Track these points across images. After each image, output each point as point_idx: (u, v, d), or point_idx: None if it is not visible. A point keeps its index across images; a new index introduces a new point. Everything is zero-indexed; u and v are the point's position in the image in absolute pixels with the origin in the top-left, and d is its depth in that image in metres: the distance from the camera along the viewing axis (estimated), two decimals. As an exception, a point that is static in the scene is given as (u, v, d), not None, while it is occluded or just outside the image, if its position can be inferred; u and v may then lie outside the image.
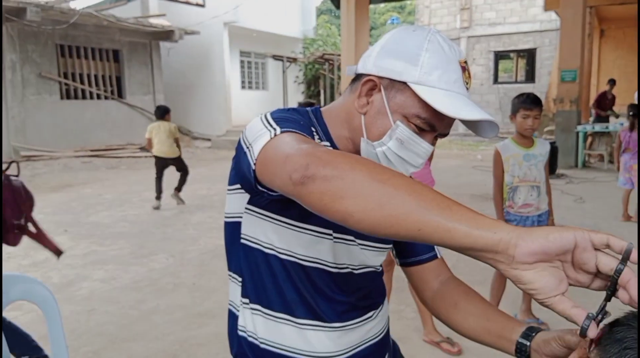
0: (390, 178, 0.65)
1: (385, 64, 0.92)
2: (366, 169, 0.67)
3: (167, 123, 6.99)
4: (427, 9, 17.83)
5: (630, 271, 0.56)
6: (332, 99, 17.63)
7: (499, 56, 17.24)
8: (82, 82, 12.57)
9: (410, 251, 1.08)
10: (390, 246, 1.08)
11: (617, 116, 10.93)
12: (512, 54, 17.33)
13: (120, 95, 13.45)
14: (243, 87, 17.60)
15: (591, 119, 11.38)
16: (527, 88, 16.60)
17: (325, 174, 0.67)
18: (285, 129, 0.80)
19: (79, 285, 3.97)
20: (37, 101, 11.44)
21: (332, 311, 0.99)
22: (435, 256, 1.08)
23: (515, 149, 2.91)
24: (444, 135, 0.97)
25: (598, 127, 9.83)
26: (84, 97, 12.69)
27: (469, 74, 0.96)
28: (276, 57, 16.30)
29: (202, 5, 12.02)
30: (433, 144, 0.94)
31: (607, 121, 10.51)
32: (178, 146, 7.03)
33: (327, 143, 0.98)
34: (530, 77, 16.83)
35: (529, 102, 2.80)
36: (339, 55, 15.11)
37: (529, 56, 16.73)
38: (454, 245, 0.62)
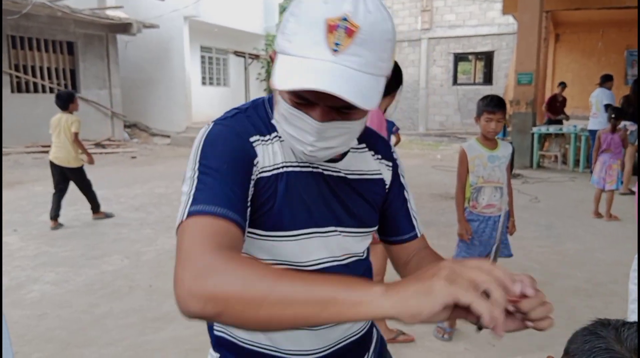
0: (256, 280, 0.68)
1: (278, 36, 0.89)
2: (241, 283, 0.68)
3: (69, 116, 5.50)
4: (388, 10, 18.00)
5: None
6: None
7: (459, 57, 17.58)
8: (34, 75, 12.06)
9: (394, 230, 1.12)
10: (374, 228, 1.10)
11: (567, 119, 11.29)
12: (470, 56, 17.69)
13: (75, 89, 12.97)
14: (204, 83, 17.30)
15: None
16: (485, 90, 16.99)
17: (214, 309, 0.68)
18: (192, 212, 0.80)
19: (29, 288, 3.79)
20: (-16, 93, 10.90)
21: None
22: (416, 236, 1.12)
23: (481, 150, 2.94)
24: (346, 108, 0.85)
25: (552, 129, 10.16)
26: (35, 90, 12.17)
27: (346, 32, 0.78)
28: (238, 54, 16.10)
29: (162, -1, 11.74)
30: (331, 119, 0.85)
31: (560, 123, 10.85)
32: (80, 149, 5.56)
33: (274, 133, 0.97)
34: (487, 79, 17.24)
35: (492, 105, 2.83)
36: (302, 53, 15.01)
37: (487, 58, 17.13)
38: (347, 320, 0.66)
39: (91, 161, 5.91)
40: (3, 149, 10.86)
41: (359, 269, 1.06)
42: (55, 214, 5.51)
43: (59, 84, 12.61)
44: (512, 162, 3.04)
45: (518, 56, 9.85)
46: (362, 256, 1.08)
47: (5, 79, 11.37)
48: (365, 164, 1.07)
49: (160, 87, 15.07)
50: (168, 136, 14.66)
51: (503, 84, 16.14)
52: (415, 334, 3.08)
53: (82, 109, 12.92)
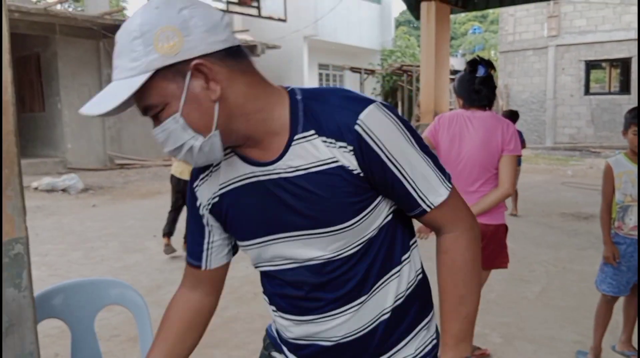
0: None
1: None
2: None
3: None
4: (511, 17, 17.17)
5: None
6: (410, 111, 17.40)
7: (591, 65, 16.23)
8: (171, 96, 13.29)
9: (404, 208, 1.01)
10: (347, 224, 0.95)
11: None
12: (604, 64, 16.26)
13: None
14: (321, 99, 17.82)
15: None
16: (622, 100, 15.47)
17: None
18: None
19: (167, 289, 4.15)
20: (132, 112, 12.15)
21: (287, 304, 1.05)
22: (424, 211, 0.98)
23: (629, 166, 2.66)
24: (154, 117, 0.92)
25: None
26: (172, 109, 13.38)
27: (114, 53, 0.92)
28: (354, 70, 16.37)
29: (284, 20, 12.33)
30: (155, 125, 0.92)
31: None
32: None
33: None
34: (625, 88, 15.69)
35: None
36: (418, 66, 14.89)
37: (624, 65, 15.62)
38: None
39: None
40: (144, 162, 12.08)
41: (338, 270, 0.98)
42: (169, 231, 5.23)
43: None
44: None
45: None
46: (329, 259, 0.98)
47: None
48: (313, 155, 0.92)
49: (280, 104, 15.80)
50: (287, 151, 15.27)
51: (644, 93, 14.57)
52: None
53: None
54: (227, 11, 11.85)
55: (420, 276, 1.09)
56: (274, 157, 0.94)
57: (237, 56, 0.91)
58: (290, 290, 1.03)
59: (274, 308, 1.09)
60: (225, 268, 1.14)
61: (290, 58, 15.41)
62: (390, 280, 1.02)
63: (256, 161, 0.95)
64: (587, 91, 16.30)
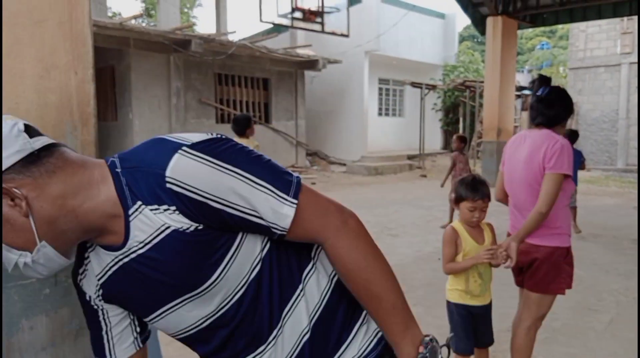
0: None
1: None
2: None
3: (249, 141, 5.31)
4: (582, 34, 16.50)
5: None
6: (472, 126, 17.04)
7: (668, 83, 15.28)
8: (234, 108, 13.69)
9: (264, 234, 0.97)
10: (210, 281, 0.93)
11: None
12: (683, 82, 15.27)
13: (267, 120, 14.38)
14: (380, 114, 17.78)
15: None
16: None
17: None
18: None
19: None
20: (196, 124, 12.67)
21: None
22: (282, 235, 0.93)
23: None
24: None
25: None
26: (235, 121, 13.77)
27: None
28: (415, 85, 16.24)
29: (347, 36, 12.44)
30: None
31: None
32: None
33: (87, 257, 1.03)
34: None
35: None
36: (482, 82, 14.59)
37: None
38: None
39: None
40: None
41: (238, 315, 0.97)
42: None
43: (254, 116, 14.12)
44: None
45: None
46: (228, 304, 0.96)
47: (212, 111, 13.11)
48: (150, 226, 0.88)
49: (339, 118, 15.90)
50: (344, 164, 15.32)
51: None
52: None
53: (271, 138, 14.31)
54: (292, 27, 12.15)
55: (337, 277, 1.04)
56: (122, 238, 0.90)
57: (41, 158, 0.85)
58: (210, 347, 1.02)
59: None
60: None
61: (352, 72, 15.50)
62: (296, 302, 0.99)
63: (112, 246, 0.93)
64: (664, 111, 15.34)
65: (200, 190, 0.85)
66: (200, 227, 0.88)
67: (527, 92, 18.03)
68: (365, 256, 0.95)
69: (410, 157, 16.30)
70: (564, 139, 2.46)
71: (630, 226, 7.28)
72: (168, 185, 0.85)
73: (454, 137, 7.60)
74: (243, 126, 5.34)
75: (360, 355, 1.04)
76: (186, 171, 0.85)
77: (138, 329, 1.05)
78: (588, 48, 16.42)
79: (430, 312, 3.97)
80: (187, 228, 0.87)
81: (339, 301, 1.04)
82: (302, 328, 1.00)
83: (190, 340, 1.02)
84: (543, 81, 2.62)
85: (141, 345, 1.05)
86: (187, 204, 0.86)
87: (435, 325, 3.71)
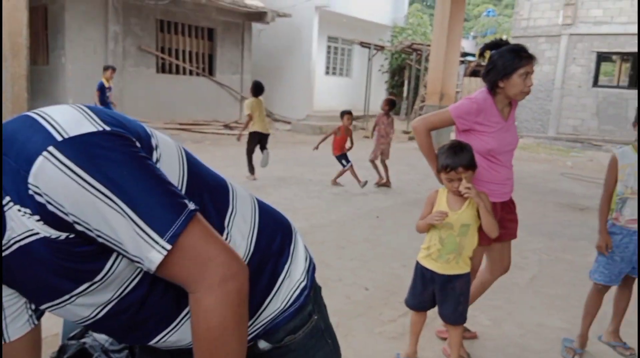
0: None
1: None
2: None
3: (262, 101, 7.69)
4: (527, 3, 16.87)
5: None
6: (416, 90, 17.28)
7: (602, 57, 16.04)
8: (177, 58, 13.15)
9: None
10: (86, 285, 0.84)
11: None
12: (615, 57, 16.07)
13: (211, 73, 13.94)
14: (327, 72, 17.66)
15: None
16: (629, 94, 15.34)
17: None
18: None
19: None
20: (135, 72, 12.11)
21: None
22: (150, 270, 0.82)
23: (635, 159, 2.66)
24: None
25: None
26: (177, 72, 13.28)
27: None
28: (363, 44, 16.18)
29: (296, -11, 12.17)
30: None
31: None
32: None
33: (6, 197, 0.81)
34: (633, 82, 15.53)
35: None
36: (429, 45, 14.73)
37: (635, 59, 15.44)
38: None
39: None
40: (144, 122, 12.01)
41: (131, 308, 0.91)
42: (252, 169, 7.52)
43: (197, 67, 13.64)
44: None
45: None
46: (117, 298, 0.88)
47: (152, 60, 12.54)
48: (18, 226, 0.77)
49: (286, 75, 15.65)
50: (289, 123, 15.21)
51: (653, 89, 14.45)
52: (534, 350, 2.90)
53: (215, 92, 13.94)
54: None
55: (253, 237, 1.00)
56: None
57: None
58: (118, 332, 0.98)
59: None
60: (29, 340, 0.95)
61: (300, 28, 15.20)
62: None
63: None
64: (595, 83, 16.16)
65: (64, 208, 0.74)
66: (71, 236, 0.77)
67: (470, 58, 18.42)
68: (223, 330, 0.82)
69: (355, 118, 16.38)
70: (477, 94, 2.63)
71: (556, 192, 7.74)
72: (30, 192, 0.74)
73: (384, 99, 7.85)
74: (261, 90, 7.75)
75: (284, 308, 1.03)
76: (49, 182, 0.73)
77: (33, 306, 0.95)
78: (532, 17, 16.84)
79: (365, 266, 4.10)
80: (58, 237, 0.77)
81: (259, 269, 1.00)
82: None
83: (94, 326, 0.95)
84: (496, 44, 2.67)
85: (36, 322, 0.96)
86: (50, 217, 0.75)
87: (369, 277, 3.85)
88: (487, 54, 2.64)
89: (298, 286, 1.07)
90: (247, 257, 0.99)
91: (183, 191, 0.89)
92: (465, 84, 17.15)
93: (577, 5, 15.94)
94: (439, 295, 2.54)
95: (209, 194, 0.97)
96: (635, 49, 15.17)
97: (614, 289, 2.89)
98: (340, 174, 7.37)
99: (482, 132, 2.57)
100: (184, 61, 13.32)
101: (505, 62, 2.53)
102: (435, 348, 2.84)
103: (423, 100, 14.84)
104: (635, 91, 15.22)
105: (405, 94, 18.06)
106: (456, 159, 2.35)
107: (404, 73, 18.63)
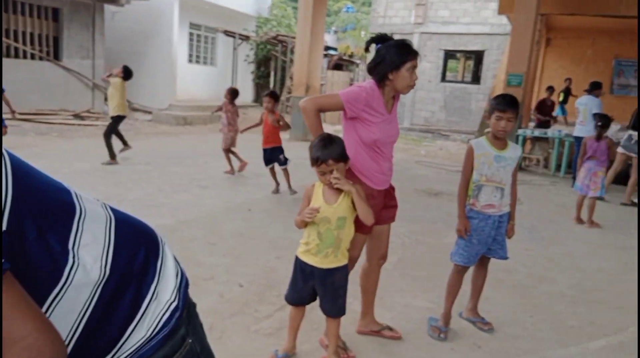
0: None
1: None
2: None
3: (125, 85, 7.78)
4: (383, 1, 17.85)
5: None
6: (282, 82, 17.38)
7: (449, 54, 17.58)
8: (16, 40, 11.64)
9: None
10: None
11: (555, 121, 11.49)
12: (459, 54, 17.71)
13: (57, 57, 12.58)
14: (190, 61, 16.96)
15: (531, 124, 11.83)
16: (472, 89, 17.07)
17: None
18: None
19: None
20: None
21: None
22: None
23: (488, 149, 2.88)
24: None
25: (537, 132, 10.23)
26: (16, 56, 11.77)
27: None
28: (228, 33, 15.82)
29: (154, -30, 11.43)
30: None
31: (547, 127, 10.95)
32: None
33: None
34: (475, 78, 17.29)
35: (504, 103, 2.77)
36: (294, 37, 14.86)
37: (477, 57, 17.17)
38: None
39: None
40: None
41: None
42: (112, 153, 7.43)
43: (40, 51, 12.21)
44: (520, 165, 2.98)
45: (510, 57, 9.85)
46: None
47: (-16, 41, 10.94)
48: None
49: (145, 61, 14.71)
50: (150, 112, 14.36)
51: (490, 84, 16.21)
52: (402, 331, 3.04)
53: (63, 78, 12.61)
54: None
55: (109, 257, 0.88)
56: None
57: None
58: None
59: None
60: None
61: (160, 13, 14.36)
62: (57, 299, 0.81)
63: None
64: (443, 79, 17.67)
65: None
66: None
67: (332, 52, 19.00)
68: None
69: (219, 108, 15.99)
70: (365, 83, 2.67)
71: (413, 179, 8.29)
72: None
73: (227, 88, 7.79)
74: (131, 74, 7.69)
75: (151, 335, 0.90)
76: None
77: None
78: (387, 15, 17.85)
79: (239, 262, 3.98)
80: None
81: (118, 294, 0.87)
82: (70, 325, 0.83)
83: None
84: (381, 38, 2.72)
85: None
86: None
87: (243, 273, 3.74)
88: (372, 47, 2.71)
89: (167, 308, 0.93)
90: (101, 282, 0.83)
91: (6, 215, 0.72)
92: (329, 77, 17.64)
93: (427, 6, 17.25)
94: (319, 289, 2.53)
95: (44, 214, 0.80)
96: (477, 48, 16.86)
97: (471, 269, 3.13)
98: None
99: (369, 122, 2.59)
100: (24, 43, 11.83)
101: (393, 56, 2.58)
102: (313, 341, 2.83)
103: (289, 92, 14.97)
104: (477, 86, 16.94)
105: (272, 85, 18.07)
106: (326, 152, 2.33)
107: (270, 64, 18.62)
